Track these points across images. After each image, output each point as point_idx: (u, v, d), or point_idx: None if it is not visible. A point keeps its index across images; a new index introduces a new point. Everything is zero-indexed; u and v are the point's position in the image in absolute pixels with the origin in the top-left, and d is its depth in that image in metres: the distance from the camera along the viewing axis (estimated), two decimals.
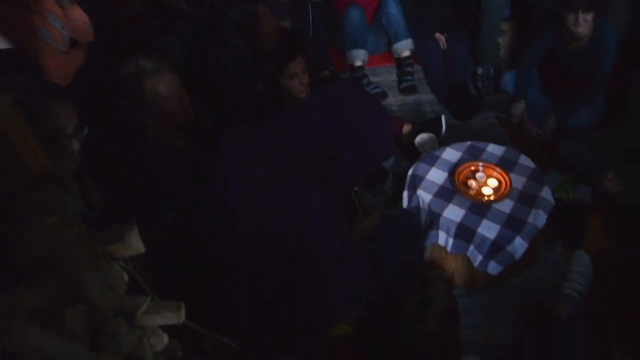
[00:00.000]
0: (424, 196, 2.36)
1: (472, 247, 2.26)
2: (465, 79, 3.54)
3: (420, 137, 2.98)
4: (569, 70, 3.23)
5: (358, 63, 3.63)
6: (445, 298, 1.44)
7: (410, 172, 2.48)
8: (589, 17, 2.88)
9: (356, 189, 1.98)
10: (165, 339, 1.17)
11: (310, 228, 1.53)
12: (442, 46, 3.66)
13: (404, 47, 3.67)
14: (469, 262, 2.32)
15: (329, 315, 1.65)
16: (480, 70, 3.61)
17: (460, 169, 2.42)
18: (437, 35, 3.68)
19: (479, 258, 2.27)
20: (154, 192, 2.10)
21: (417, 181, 2.43)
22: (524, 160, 2.51)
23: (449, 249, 2.31)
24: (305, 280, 1.49)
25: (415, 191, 2.40)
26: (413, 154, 2.88)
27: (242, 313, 1.57)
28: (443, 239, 2.30)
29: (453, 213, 2.28)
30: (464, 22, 3.69)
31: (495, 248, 2.22)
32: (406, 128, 3.09)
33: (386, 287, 1.64)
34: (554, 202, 2.35)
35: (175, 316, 1.09)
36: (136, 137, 2.22)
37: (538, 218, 2.26)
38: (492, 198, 2.32)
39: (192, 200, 1.95)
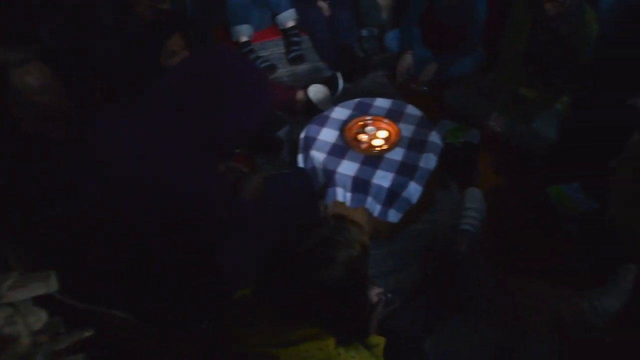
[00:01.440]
0: (318, 156, 2.38)
1: (369, 198, 2.30)
2: (352, 42, 3.58)
3: (314, 87, 3.00)
4: (446, 24, 3.34)
5: (244, 39, 3.58)
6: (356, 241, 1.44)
7: (302, 135, 2.49)
8: None
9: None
10: (44, 316, 1.10)
11: (194, 190, 1.49)
12: (325, 13, 3.67)
13: (288, 18, 3.65)
14: (370, 214, 2.36)
15: (228, 280, 1.62)
16: (365, 33, 3.67)
17: (350, 125, 2.45)
18: (320, 2, 3.69)
19: (378, 207, 2.31)
20: (35, 188, 1.99)
21: (309, 143, 2.44)
22: (411, 109, 2.58)
23: (348, 203, 2.34)
24: (195, 242, 1.46)
25: (308, 152, 2.41)
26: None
27: (138, 285, 1.52)
28: (341, 194, 2.33)
29: (347, 168, 2.31)
30: None
31: (392, 195, 2.27)
32: (299, 94, 3.08)
33: (281, 245, 1.63)
34: (442, 144, 2.43)
35: (44, 286, 1.03)
36: (10, 134, 2.08)
37: (429, 161, 2.33)
38: (383, 148, 2.36)
39: (77, 189, 1.86)
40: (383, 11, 3.78)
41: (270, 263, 1.44)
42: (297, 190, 2.04)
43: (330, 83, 3.12)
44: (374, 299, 1.93)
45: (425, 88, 3.31)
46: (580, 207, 2.48)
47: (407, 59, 3.33)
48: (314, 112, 2.86)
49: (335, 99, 3.04)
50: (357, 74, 3.41)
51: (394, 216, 2.33)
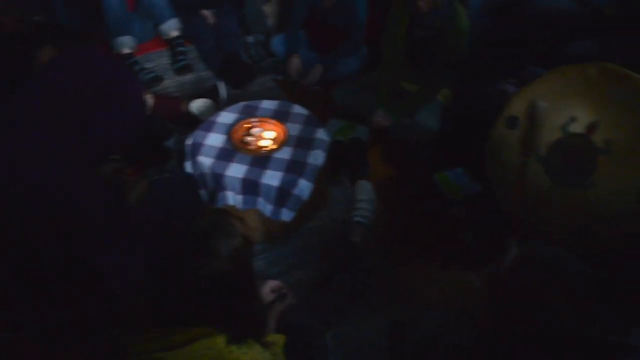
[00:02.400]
0: (205, 161, 2.33)
1: (260, 199, 2.28)
2: (238, 49, 3.57)
3: (195, 102, 2.96)
4: (329, 26, 3.41)
5: (126, 51, 3.46)
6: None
7: (188, 142, 2.43)
8: None
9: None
10: None
11: (72, 193, 1.41)
12: (210, 21, 3.64)
13: (171, 28, 3.58)
14: (262, 216, 2.34)
15: (112, 289, 1.54)
16: (250, 39, 3.67)
17: (236, 128, 2.43)
18: (203, 11, 3.65)
19: (270, 207, 2.30)
20: None
21: (196, 149, 2.39)
22: (297, 109, 2.60)
23: (239, 206, 2.30)
24: (73, 248, 1.38)
25: (196, 158, 2.36)
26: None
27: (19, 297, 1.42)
28: (232, 198, 2.29)
29: (236, 170, 2.28)
30: None
31: (283, 194, 2.27)
32: (183, 106, 3.03)
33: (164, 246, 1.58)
34: (329, 139, 2.46)
35: None
36: None
37: (317, 157, 2.35)
38: (271, 148, 2.36)
39: None
40: (268, 17, 3.80)
41: (155, 266, 1.39)
42: (181, 194, 1.99)
43: (213, 94, 3.09)
44: (270, 295, 1.91)
45: (316, 87, 3.35)
46: (465, 190, 2.60)
47: (295, 62, 3.36)
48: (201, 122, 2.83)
49: (222, 108, 3.01)
50: (245, 81, 3.40)
51: (287, 215, 2.32)
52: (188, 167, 2.40)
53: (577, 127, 1.93)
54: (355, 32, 3.32)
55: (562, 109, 1.94)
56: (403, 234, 2.51)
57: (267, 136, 2.42)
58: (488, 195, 2.36)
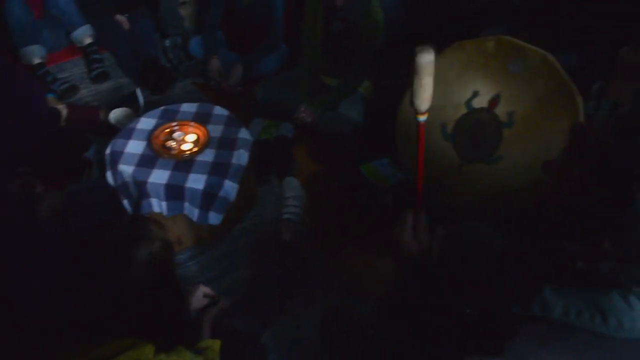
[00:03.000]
0: (126, 169, 2.26)
1: (186, 203, 2.24)
2: (156, 53, 3.49)
3: (114, 113, 2.87)
4: (247, 25, 3.38)
5: (36, 60, 3.31)
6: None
7: (107, 151, 2.35)
8: None
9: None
10: None
11: None
12: (125, 27, 3.54)
13: (84, 35, 3.46)
14: (190, 220, 2.30)
15: (27, 306, 1.48)
16: (168, 43, 3.60)
17: (156, 133, 2.37)
18: (117, 16, 3.55)
19: (196, 212, 2.26)
20: None
21: (116, 157, 2.31)
22: (218, 110, 2.56)
23: (165, 212, 2.25)
24: None
25: (116, 168, 2.28)
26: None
27: None
28: (156, 205, 2.24)
29: (159, 177, 2.22)
30: (142, 0, 3.63)
31: (209, 197, 2.23)
32: (102, 114, 2.93)
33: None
34: (252, 139, 2.44)
35: None
36: None
37: (241, 157, 2.32)
38: (193, 151, 2.31)
39: None
40: (185, 19, 3.73)
41: (68, 279, 1.33)
42: (99, 205, 1.92)
43: (132, 101, 3.01)
44: (203, 301, 1.88)
45: (239, 88, 3.32)
46: (391, 179, 2.64)
47: (214, 64, 3.31)
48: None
49: (142, 115, 2.93)
50: (165, 85, 3.33)
51: (214, 218, 2.29)
52: (109, 177, 2.32)
53: (480, 102, 1.96)
54: (274, 29, 3.32)
55: (465, 84, 1.98)
56: (334, 227, 2.53)
57: (188, 139, 2.37)
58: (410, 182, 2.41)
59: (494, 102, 1.91)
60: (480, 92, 1.96)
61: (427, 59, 1.20)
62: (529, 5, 2.79)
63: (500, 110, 1.91)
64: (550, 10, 2.64)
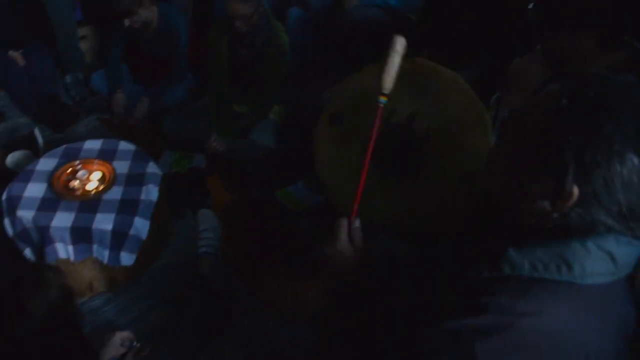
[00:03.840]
0: (26, 215, 2.12)
1: (95, 246, 2.13)
2: (56, 90, 3.34)
3: (11, 156, 2.71)
4: (152, 56, 3.31)
5: None
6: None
7: (4, 197, 2.20)
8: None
9: None
10: None
11: None
12: (20, 63, 3.36)
13: None
14: (101, 263, 2.19)
15: None
16: (69, 79, 3.45)
17: (58, 174, 2.25)
18: (11, 53, 3.36)
19: (107, 253, 2.15)
20: None
21: (14, 203, 2.17)
22: (124, 145, 2.47)
23: (72, 257, 2.13)
24: None
25: (15, 214, 2.14)
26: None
27: None
28: (62, 250, 2.11)
29: (62, 220, 2.10)
30: (38, 35, 3.46)
31: (119, 237, 2.13)
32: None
33: None
34: (161, 172, 2.36)
35: None
36: None
37: (150, 193, 2.24)
38: (99, 190, 2.21)
39: None
40: (85, 54, 3.60)
41: None
42: None
43: (28, 141, 2.86)
44: (119, 350, 1.78)
45: (146, 122, 3.23)
46: (307, 202, 2.63)
47: (119, 99, 3.21)
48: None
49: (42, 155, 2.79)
50: (67, 123, 3.18)
51: (127, 259, 2.19)
52: (7, 225, 2.17)
53: (398, 119, 2.00)
54: (179, 59, 3.26)
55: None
56: (253, 256, 2.48)
57: (93, 178, 2.27)
58: (329, 204, 2.41)
59: (411, 119, 1.96)
60: (397, 109, 1.99)
61: (401, 41, 1.39)
62: (426, 23, 2.91)
63: (418, 127, 1.96)
64: (447, 27, 2.77)
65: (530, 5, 1.52)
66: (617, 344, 0.86)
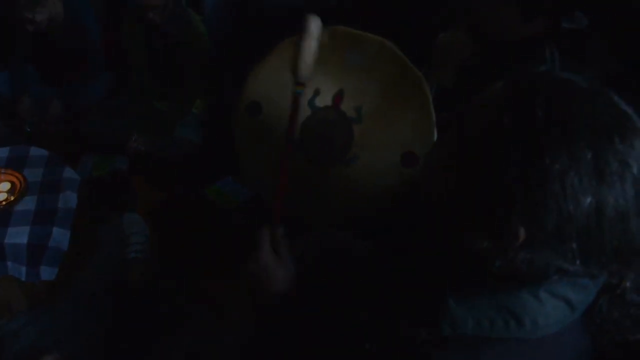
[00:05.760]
0: None
1: (9, 263, 1.97)
2: None
3: None
4: (62, 54, 3.09)
5: None
6: None
7: None
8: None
9: None
10: None
11: None
12: None
13: None
14: (19, 280, 2.02)
15: None
16: None
17: None
18: None
19: (24, 269, 1.99)
20: None
21: None
22: (35, 151, 2.30)
23: None
24: None
25: None
26: None
27: None
28: None
29: None
30: None
31: (36, 250, 1.98)
32: None
33: None
34: (79, 177, 2.22)
35: None
36: None
37: (69, 200, 2.10)
38: (9, 201, 2.04)
39: None
40: None
41: None
42: None
43: None
44: None
45: (60, 125, 3.01)
46: (238, 196, 2.54)
47: (25, 103, 2.98)
48: None
49: None
50: None
51: (48, 273, 2.04)
52: None
53: (323, 100, 1.81)
54: (92, 55, 3.06)
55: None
56: (188, 257, 2.37)
57: (2, 189, 2.09)
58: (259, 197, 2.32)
59: (337, 98, 1.79)
60: (321, 89, 1.78)
61: (316, 22, 1.29)
62: (344, 4, 2.86)
63: (347, 106, 1.79)
64: (365, 7, 2.73)
65: None
66: None
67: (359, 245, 1.46)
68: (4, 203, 2.03)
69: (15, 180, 2.11)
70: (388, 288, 0.90)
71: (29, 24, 2.78)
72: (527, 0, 1.47)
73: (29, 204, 2.05)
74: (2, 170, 2.13)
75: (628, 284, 0.73)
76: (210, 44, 2.80)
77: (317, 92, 1.82)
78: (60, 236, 2.01)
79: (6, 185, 2.10)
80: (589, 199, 0.63)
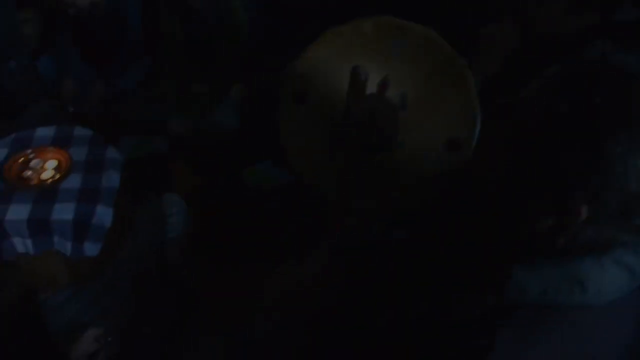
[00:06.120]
0: None
1: (56, 238, 2.01)
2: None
3: None
4: (105, 39, 3.14)
5: None
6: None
7: None
8: None
9: None
10: None
11: None
12: None
13: None
14: (64, 255, 2.07)
15: None
16: (12, 65, 3.24)
17: (8, 164, 2.11)
18: None
19: (69, 245, 2.03)
20: None
21: None
22: (79, 131, 2.34)
23: (32, 251, 2.00)
24: None
25: None
26: None
27: None
28: (20, 244, 1.99)
29: (18, 212, 1.97)
30: None
31: (81, 227, 2.02)
32: None
33: None
34: (122, 157, 2.26)
35: None
36: None
37: (111, 179, 2.14)
38: (56, 179, 2.09)
39: None
40: (31, 39, 3.40)
41: None
42: None
43: None
44: (93, 346, 1.70)
45: (101, 106, 3.07)
46: (276, 180, 2.55)
47: (68, 85, 3.04)
48: None
49: None
50: (14, 111, 3.00)
51: (91, 249, 2.07)
52: None
53: (369, 89, 1.87)
54: (134, 41, 3.10)
55: (348, 72, 1.89)
56: (224, 239, 2.40)
57: (48, 167, 2.14)
58: (299, 183, 2.33)
59: (383, 86, 1.82)
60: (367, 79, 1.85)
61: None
62: None
63: (392, 93, 1.83)
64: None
65: None
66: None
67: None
68: (50, 180, 2.08)
69: (61, 158, 2.16)
70: (446, 268, 0.91)
71: (71, 7, 2.82)
72: None
73: (74, 181, 2.09)
74: (50, 149, 2.18)
75: None
76: (249, 27, 2.81)
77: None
78: (103, 214, 2.05)
79: (53, 163, 2.15)
80: None
